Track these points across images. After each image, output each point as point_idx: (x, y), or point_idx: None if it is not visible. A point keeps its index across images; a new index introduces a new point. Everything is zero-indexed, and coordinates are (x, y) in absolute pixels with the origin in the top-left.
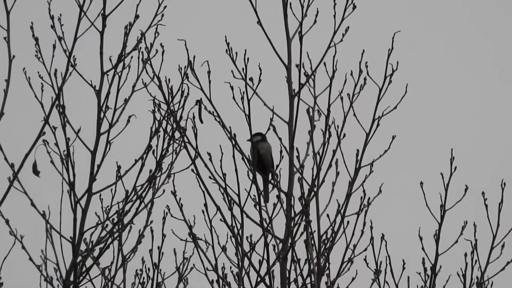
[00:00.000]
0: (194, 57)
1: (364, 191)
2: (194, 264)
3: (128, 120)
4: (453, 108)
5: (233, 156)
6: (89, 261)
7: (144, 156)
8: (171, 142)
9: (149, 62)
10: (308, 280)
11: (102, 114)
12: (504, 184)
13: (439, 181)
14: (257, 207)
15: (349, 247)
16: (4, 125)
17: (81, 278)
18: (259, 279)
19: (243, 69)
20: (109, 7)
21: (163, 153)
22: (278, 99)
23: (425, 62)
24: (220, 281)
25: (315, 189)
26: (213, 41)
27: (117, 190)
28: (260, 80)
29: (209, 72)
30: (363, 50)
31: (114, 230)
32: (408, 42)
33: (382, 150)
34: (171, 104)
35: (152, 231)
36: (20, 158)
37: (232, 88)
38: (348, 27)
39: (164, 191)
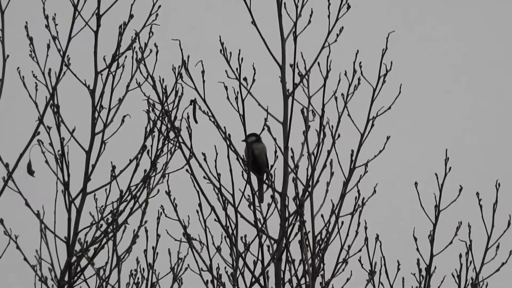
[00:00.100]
0: (188, 57)
1: (358, 191)
2: (188, 265)
3: (123, 120)
4: (447, 109)
5: (228, 156)
6: (83, 261)
7: (139, 156)
8: (166, 142)
9: (143, 62)
10: (302, 281)
11: (96, 114)
12: (499, 184)
13: (434, 181)
14: (252, 207)
15: (343, 247)
16: None
17: (75, 278)
18: (253, 279)
19: (237, 69)
20: (103, 6)
21: (158, 153)
22: (273, 99)
23: (419, 62)
24: (215, 281)
25: (309, 189)
26: (207, 41)
27: (111, 190)
28: (254, 80)
29: (203, 72)
30: (357, 50)
31: (109, 230)
32: (402, 42)
33: (377, 151)
34: (165, 104)
35: (146, 231)
36: (15, 158)
37: (226, 88)
38: (342, 27)
39: (158, 191)
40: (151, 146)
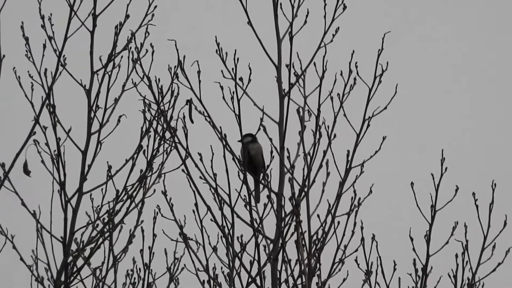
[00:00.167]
0: (184, 57)
1: (354, 191)
2: (185, 265)
3: (119, 120)
4: (443, 109)
5: (224, 156)
6: (80, 261)
7: (135, 156)
8: (162, 142)
9: (139, 62)
10: (299, 281)
11: (92, 114)
12: (495, 184)
13: (430, 181)
14: (248, 207)
15: (340, 247)
16: None
17: (72, 278)
18: (250, 279)
19: (233, 69)
20: (99, 6)
21: (154, 153)
22: (268, 99)
23: (419, 62)
24: (211, 281)
25: (305, 189)
26: (203, 41)
27: (107, 189)
28: (250, 80)
29: (199, 72)
30: (353, 51)
31: (105, 230)
32: (402, 42)
33: (373, 151)
34: (161, 104)
35: (143, 231)
36: (11, 157)
37: (222, 88)
38: (338, 27)
39: (154, 191)
40: (147, 146)
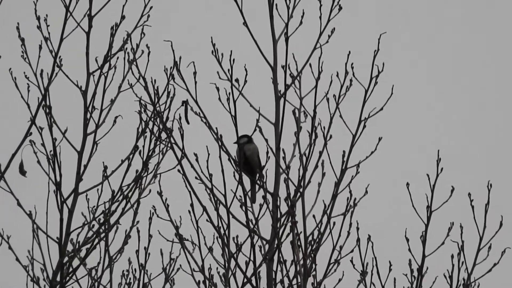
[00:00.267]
0: (180, 58)
1: (350, 192)
2: (180, 265)
3: (115, 121)
4: (439, 110)
5: (220, 156)
6: (75, 262)
7: (131, 156)
8: (158, 142)
9: (135, 63)
10: (294, 281)
11: (88, 115)
12: (491, 185)
13: (426, 182)
14: (243, 207)
15: (335, 248)
16: None
17: (67, 278)
18: (245, 280)
19: (228, 70)
20: (95, 7)
21: (150, 153)
22: (264, 100)
23: (411, 63)
24: (207, 282)
25: (301, 190)
26: (199, 42)
27: (103, 190)
28: (246, 81)
29: (195, 73)
30: (349, 52)
31: (101, 230)
32: (394, 43)
33: (369, 151)
34: (157, 105)
35: (138, 231)
36: (7, 158)
37: (218, 89)
38: (334, 28)
39: (150, 191)
40: (143, 146)
